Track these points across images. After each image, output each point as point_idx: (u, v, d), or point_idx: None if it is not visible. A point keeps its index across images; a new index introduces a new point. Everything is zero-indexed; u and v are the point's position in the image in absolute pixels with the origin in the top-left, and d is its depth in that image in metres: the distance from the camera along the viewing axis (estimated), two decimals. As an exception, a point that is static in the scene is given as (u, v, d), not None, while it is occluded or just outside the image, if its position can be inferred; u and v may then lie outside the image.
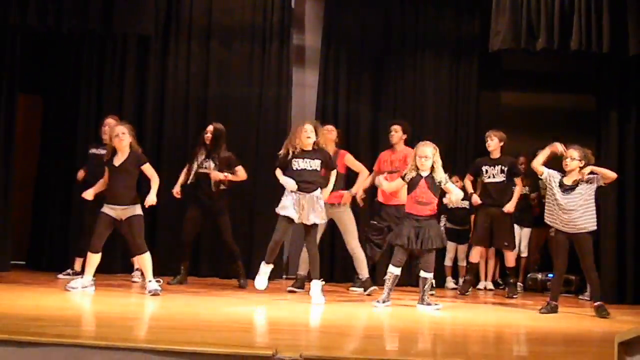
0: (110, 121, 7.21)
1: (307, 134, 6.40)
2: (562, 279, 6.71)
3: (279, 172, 6.49)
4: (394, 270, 6.32)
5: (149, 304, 6.08)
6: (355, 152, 8.31)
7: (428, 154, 6.30)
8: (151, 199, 6.51)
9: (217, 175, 7.21)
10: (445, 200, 7.94)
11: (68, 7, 7.39)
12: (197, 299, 6.49)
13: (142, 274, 7.21)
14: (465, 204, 8.45)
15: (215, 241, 8.27)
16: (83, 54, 8.40)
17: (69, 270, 7.36)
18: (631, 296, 7.59)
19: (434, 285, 6.48)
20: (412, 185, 6.36)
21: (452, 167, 8.49)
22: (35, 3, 7.25)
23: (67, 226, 8.10)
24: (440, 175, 6.33)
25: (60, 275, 7.31)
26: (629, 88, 7.80)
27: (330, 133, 7.26)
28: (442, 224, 8.62)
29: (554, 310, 6.44)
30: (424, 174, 6.34)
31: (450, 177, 8.19)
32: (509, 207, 7.48)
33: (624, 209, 7.70)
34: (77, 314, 5.51)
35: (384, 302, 6.27)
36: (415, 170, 6.35)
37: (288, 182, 6.36)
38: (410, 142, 7.37)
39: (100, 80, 8.40)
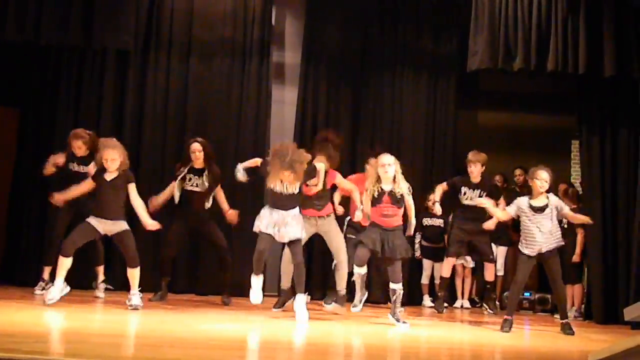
0: (82, 134, 7.16)
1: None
2: (520, 294, 6.77)
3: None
4: (359, 270, 6.37)
5: (124, 320, 6.02)
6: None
7: (390, 161, 6.38)
8: (150, 223, 6.56)
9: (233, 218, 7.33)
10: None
11: (47, 20, 7.35)
12: (174, 315, 6.44)
13: (106, 288, 7.28)
14: (440, 222, 8.50)
15: (193, 257, 8.25)
16: (61, 66, 8.35)
17: (41, 283, 7.23)
18: (600, 315, 7.66)
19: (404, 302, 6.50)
20: (376, 199, 6.38)
21: (428, 186, 8.58)
22: (13, 16, 7.21)
23: (41, 241, 7.99)
24: (403, 186, 6.38)
25: (37, 292, 7.17)
26: (607, 108, 7.89)
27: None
28: (417, 241, 8.66)
29: (511, 326, 6.45)
30: (387, 187, 6.35)
31: (427, 195, 8.32)
32: (489, 225, 7.35)
33: (606, 228, 7.74)
34: (50, 330, 5.44)
35: (360, 301, 6.36)
36: (377, 185, 6.37)
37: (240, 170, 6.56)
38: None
39: (79, 93, 8.34)
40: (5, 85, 8.11)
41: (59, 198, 6.76)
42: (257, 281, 6.34)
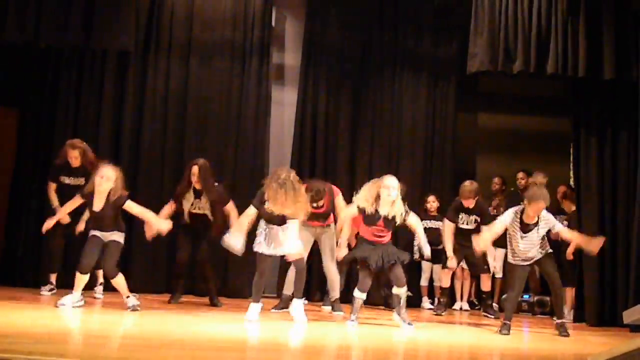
0: (78, 144, 7.22)
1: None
2: (518, 298, 6.78)
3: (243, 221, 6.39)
4: (361, 296, 6.37)
5: (122, 321, 6.01)
6: (332, 173, 8.37)
7: (394, 185, 6.30)
8: (162, 226, 6.43)
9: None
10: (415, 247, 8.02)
11: (47, 21, 7.35)
12: (172, 316, 6.44)
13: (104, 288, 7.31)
14: (439, 224, 8.49)
15: (191, 259, 8.23)
16: (61, 67, 8.34)
17: (48, 286, 7.30)
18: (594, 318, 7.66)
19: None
20: (370, 220, 6.34)
21: (428, 188, 8.60)
22: (14, 17, 7.20)
23: (40, 242, 7.97)
24: (398, 209, 6.32)
25: (43, 292, 7.22)
26: (606, 111, 7.89)
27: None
28: (415, 243, 8.65)
29: (509, 330, 6.44)
30: (383, 211, 6.30)
31: (426, 197, 8.36)
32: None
33: (605, 231, 7.72)
34: (48, 331, 5.42)
35: (356, 318, 6.34)
36: (373, 205, 6.30)
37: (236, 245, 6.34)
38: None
39: (78, 94, 8.33)
40: (5, 85, 8.09)
41: (49, 223, 6.67)
42: (255, 307, 6.27)
